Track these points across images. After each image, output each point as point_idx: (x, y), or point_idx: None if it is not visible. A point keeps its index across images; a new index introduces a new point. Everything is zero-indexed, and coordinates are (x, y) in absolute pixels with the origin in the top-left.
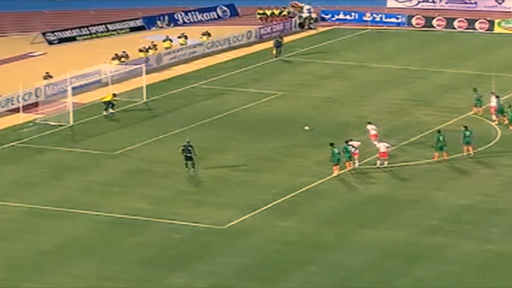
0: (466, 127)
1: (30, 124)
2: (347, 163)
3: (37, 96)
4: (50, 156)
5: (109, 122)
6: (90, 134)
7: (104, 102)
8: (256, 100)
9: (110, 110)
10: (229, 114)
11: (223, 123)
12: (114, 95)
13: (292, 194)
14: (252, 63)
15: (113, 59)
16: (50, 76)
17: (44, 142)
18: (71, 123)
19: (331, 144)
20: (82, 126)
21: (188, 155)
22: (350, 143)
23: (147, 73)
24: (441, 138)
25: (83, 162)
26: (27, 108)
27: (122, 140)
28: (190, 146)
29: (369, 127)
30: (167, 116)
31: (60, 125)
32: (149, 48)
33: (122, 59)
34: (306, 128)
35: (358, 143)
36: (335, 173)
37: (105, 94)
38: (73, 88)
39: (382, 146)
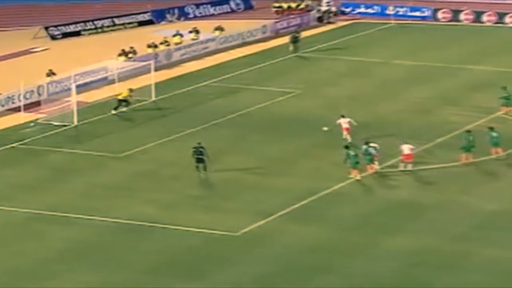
0: (491, 128)
1: (32, 124)
2: (368, 166)
3: (39, 95)
4: (52, 158)
5: (116, 122)
6: (95, 135)
7: (120, 100)
8: (272, 99)
9: (123, 109)
10: (242, 113)
11: (236, 123)
12: (131, 90)
13: (309, 199)
14: (267, 59)
15: (120, 55)
16: (53, 73)
17: (47, 143)
18: (75, 123)
19: (346, 147)
20: (86, 126)
21: (200, 157)
22: (371, 144)
23: (156, 70)
24: (470, 138)
25: (88, 164)
26: (28, 107)
27: (129, 141)
28: (202, 147)
29: (341, 120)
30: (177, 116)
31: (64, 125)
32: (161, 43)
33: (130, 55)
34: (325, 128)
35: (375, 144)
36: (357, 177)
37: (121, 90)
38: (78, 86)
39: (406, 148)
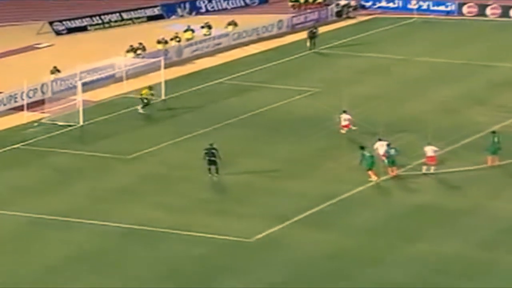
0: None
1: (36, 124)
2: (389, 169)
3: (43, 93)
4: (57, 159)
5: (123, 122)
6: (102, 135)
7: (141, 99)
8: (288, 98)
9: (139, 109)
10: (257, 113)
11: (250, 123)
12: (151, 88)
13: (326, 203)
14: (283, 56)
15: (128, 51)
16: (58, 71)
17: (51, 144)
18: (81, 123)
19: (361, 148)
20: (93, 127)
21: (212, 159)
22: (389, 144)
23: (166, 67)
24: (496, 140)
25: (94, 166)
26: (32, 106)
27: (137, 142)
28: (214, 149)
29: (342, 116)
30: (188, 115)
31: (69, 125)
32: (171, 39)
33: (138, 52)
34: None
35: (387, 142)
36: (377, 179)
37: (141, 88)
38: (83, 84)
39: (429, 150)
